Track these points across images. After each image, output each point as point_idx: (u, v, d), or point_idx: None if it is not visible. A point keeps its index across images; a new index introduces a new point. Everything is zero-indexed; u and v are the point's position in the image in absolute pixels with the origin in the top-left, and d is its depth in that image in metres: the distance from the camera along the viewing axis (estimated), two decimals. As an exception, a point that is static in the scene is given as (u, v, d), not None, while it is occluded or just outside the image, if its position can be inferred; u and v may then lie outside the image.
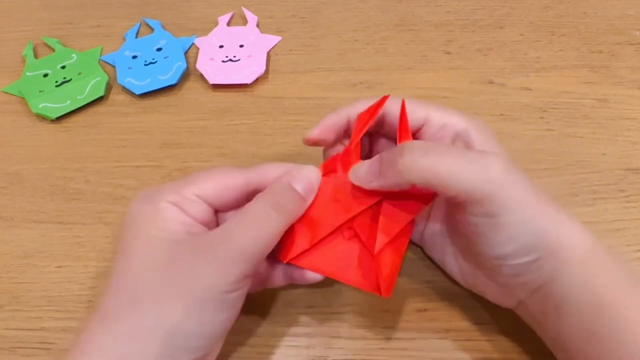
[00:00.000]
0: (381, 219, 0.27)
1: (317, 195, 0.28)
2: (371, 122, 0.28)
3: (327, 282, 0.33)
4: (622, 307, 0.23)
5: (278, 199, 0.26)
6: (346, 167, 0.28)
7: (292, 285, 0.32)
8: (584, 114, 0.39)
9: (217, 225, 0.28)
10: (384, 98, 0.28)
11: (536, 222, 0.24)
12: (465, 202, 0.25)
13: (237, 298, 0.25)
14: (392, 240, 0.27)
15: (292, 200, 0.26)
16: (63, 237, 0.36)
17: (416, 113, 0.29)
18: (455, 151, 0.25)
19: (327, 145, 0.30)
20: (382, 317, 0.31)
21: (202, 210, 0.27)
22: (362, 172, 0.27)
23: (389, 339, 0.31)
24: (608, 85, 0.41)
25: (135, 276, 0.25)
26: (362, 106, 0.29)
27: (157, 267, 0.25)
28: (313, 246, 0.27)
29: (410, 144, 0.25)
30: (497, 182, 0.24)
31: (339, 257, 0.28)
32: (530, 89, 0.41)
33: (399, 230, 0.27)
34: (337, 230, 0.28)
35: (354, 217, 0.28)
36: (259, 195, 0.26)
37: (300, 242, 0.27)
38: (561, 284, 0.24)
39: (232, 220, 0.26)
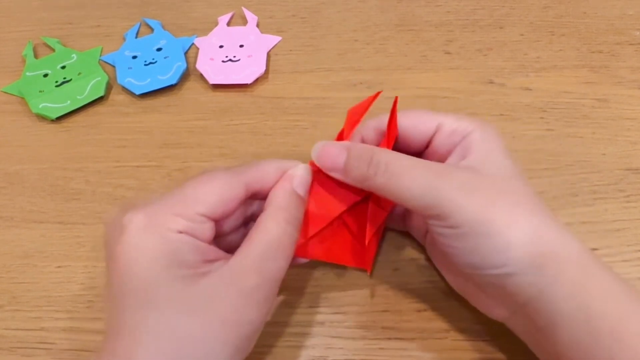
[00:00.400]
0: (370, 211, 0.29)
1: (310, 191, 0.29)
2: (363, 118, 0.29)
3: (328, 283, 0.33)
4: (618, 320, 0.23)
5: (293, 213, 0.26)
6: None
7: (292, 285, 0.33)
8: (584, 114, 0.39)
9: (215, 234, 0.27)
10: (377, 93, 0.29)
11: (501, 237, 0.24)
12: (424, 217, 0.26)
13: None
14: (377, 229, 0.30)
15: (300, 208, 0.27)
16: (63, 237, 0.36)
17: (428, 122, 0.29)
18: (416, 169, 0.25)
19: None
20: (382, 317, 0.31)
21: (210, 229, 0.25)
22: (326, 158, 0.28)
23: (389, 339, 0.31)
24: (608, 85, 0.41)
25: (169, 320, 0.23)
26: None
27: (194, 309, 0.23)
28: (309, 239, 0.29)
29: (378, 157, 0.26)
30: (453, 201, 0.24)
31: (330, 243, 0.30)
32: (530, 89, 0.41)
33: (382, 220, 0.30)
34: (326, 224, 0.29)
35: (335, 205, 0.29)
36: (272, 214, 0.26)
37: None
38: (551, 298, 0.24)
39: (257, 248, 0.25)
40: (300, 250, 0.29)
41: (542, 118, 0.39)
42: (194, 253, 0.24)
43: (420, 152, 0.30)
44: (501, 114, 0.40)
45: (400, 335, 0.31)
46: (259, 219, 0.26)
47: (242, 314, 0.24)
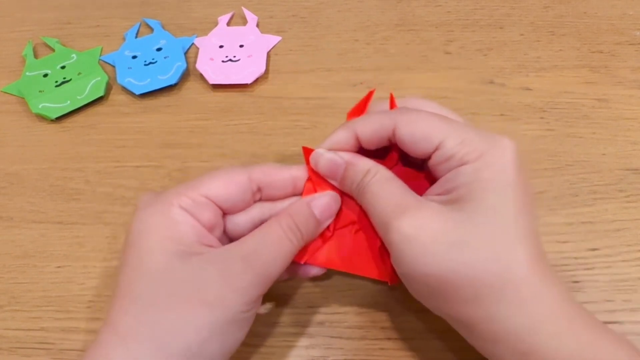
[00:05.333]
0: None
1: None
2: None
3: (328, 283, 0.33)
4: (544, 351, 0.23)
5: (297, 222, 0.26)
6: None
7: (292, 286, 0.33)
8: (584, 114, 0.39)
9: (225, 229, 0.28)
10: (370, 93, 0.29)
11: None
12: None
13: (253, 315, 0.26)
14: None
15: (310, 225, 0.27)
16: (63, 237, 0.36)
17: (430, 139, 0.25)
18: (390, 199, 0.26)
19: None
20: (382, 317, 0.31)
21: (212, 213, 0.26)
22: (324, 169, 0.28)
23: (389, 339, 0.31)
24: (608, 85, 0.41)
25: (153, 291, 0.24)
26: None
27: (177, 284, 0.24)
28: (325, 243, 0.28)
29: (367, 177, 0.26)
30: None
31: (348, 251, 0.29)
32: (530, 89, 0.41)
33: None
34: (344, 225, 0.29)
35: (358, 212, 0.28)
36: (279, 217, 0.26)
37: (315, 243, 0.28)
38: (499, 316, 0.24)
39: (252, 240, 0.25)
40: (319, 259, 0.28)
41: (542, 118, 0.39)
42: (191, 232, 0.25)
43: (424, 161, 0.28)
44: (501, 114, 0.39)
45: (400, 335, 0.31)
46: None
47: (220, 298, 0.24)
